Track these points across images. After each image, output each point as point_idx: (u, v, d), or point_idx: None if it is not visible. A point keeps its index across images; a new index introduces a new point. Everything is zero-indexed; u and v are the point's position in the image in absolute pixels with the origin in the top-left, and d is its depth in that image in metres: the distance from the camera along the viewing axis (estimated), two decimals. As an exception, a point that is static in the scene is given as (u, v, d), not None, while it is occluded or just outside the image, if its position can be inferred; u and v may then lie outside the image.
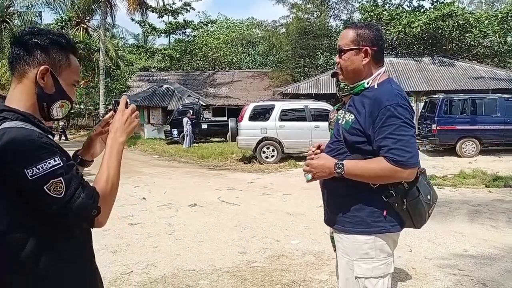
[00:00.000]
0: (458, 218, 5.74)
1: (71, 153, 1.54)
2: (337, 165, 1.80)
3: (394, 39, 22.10)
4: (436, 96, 13.90)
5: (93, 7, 29.82)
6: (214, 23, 40.08)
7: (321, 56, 28.80)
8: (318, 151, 2.04)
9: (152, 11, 33.54)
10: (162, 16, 35.37)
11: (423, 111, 14.58)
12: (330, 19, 32.26)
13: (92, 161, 1.57)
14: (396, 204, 1.82)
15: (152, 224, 5.70)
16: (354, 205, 1.86)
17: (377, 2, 25.03)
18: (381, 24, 22.46)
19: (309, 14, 30.84)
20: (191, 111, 17.96)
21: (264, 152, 11.90)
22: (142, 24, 34.19)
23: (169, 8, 34.78)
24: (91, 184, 1.23)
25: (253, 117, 12.04)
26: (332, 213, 1.97)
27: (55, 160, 1.13)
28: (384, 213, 1.83)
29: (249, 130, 11.78)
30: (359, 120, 1.84)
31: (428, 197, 1.90)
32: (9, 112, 1.21)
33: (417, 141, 15.11)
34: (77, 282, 1.27)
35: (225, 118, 20.04)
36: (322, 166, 1.86)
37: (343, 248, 1.94)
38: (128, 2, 26.91)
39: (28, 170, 1.10)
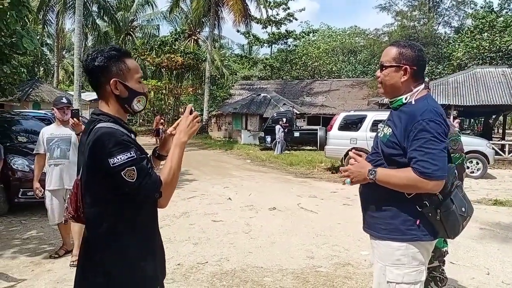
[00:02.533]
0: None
1: (150, 150, 1.96)
2: (370, 172, 1.96)
3: (511, 47, 19.81)
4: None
5: (203, 20, 32.31)
6: (316, 32, 40.36)
7: (426, 65, 27.15)
8: (358, 157, 2.17)
9: (257, 23, 35.17)
10: (266, 27, 36.85)
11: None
12: (439, 26, 30.34)
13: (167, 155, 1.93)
14: (430, 214, 1.91)
15: (232, 222, 6.14)
16: (389, 213, 1.99)
17: (493, 8, 22.85)
18: (494, 32, 20.46)
19: (415, 21, 29.39)
20: (284, 119, 18.36)
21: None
22: (247, 35, 35.98)
23: (273, 19, 36.10)
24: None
25: (343, 127, 11.90)
26: (369, 220, 2.10)
27: (130, 153, 1.49)
28: (417, 222, 1.93)
29: (338, 140, 11.67)
30: (396, 133, 1.96)
31: (463, 209, 1.94)
32: (104, 115, 1.63)
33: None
34: (139, 251, 1.60)
35: (318, 127, 20.07)
36: (359, 171, 2.02)
37: (378, 254, 2.06)
38: (234, 15, 28.52)
39: (111, 159, 1.47)
